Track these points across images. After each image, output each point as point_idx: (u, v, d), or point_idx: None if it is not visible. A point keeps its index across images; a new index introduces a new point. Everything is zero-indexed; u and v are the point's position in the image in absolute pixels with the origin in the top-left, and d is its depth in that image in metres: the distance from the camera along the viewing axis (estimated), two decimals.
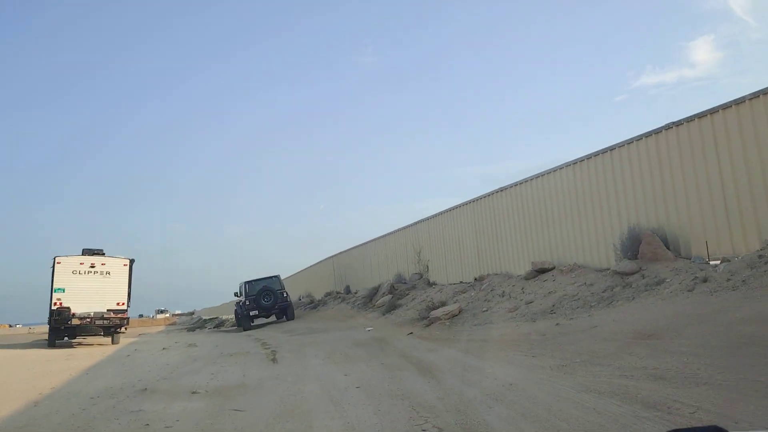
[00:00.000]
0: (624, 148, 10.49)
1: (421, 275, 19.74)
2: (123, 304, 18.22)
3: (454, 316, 12.29)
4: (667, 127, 9.43)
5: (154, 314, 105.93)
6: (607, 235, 10.89)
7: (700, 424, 3.76)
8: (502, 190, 14.45)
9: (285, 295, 22.45)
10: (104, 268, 18.12)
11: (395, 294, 18.79)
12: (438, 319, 12.33)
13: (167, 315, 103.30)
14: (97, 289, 17.71)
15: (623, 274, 9.46)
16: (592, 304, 9.21)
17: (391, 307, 16.84)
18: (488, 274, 14.59)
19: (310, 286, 36.35)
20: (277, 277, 23.75)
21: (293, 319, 22.21)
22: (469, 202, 16.06)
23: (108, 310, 17.94)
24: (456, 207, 16.85)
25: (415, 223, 20.25)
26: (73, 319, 16.96)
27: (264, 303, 21.68)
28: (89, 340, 19.96)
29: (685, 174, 9.17)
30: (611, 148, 10.76)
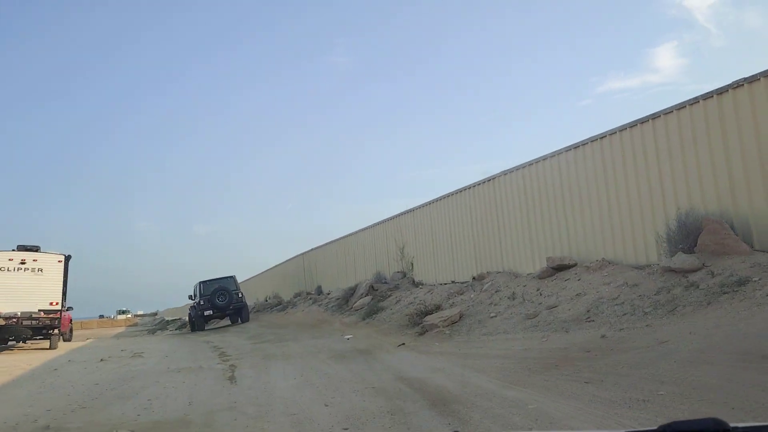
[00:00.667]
0: (671, 116, 8.46)
1: (404, 274, 17.53)
2: (57, 303, 16.58)
3: (454, 323, 10.10)
4: (737, 84, 7.42)
5: (115, 315, 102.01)
6: (646, 223, 8.86)
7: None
8: (505, 174, 12.36)
9: (240, 296, 21.74)
10: (36, 265, 16.39)
11: (376, 295, 16.53)
12: (434, 326, 10.13)
13: (129, 316, 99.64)
14: (27, 288, 16.09)
15: (681, 272, 7.41)
16: (647, 311, 7.13)
17: (372, 311, 14.57)
18: (488, 273, 12.48)
19: (277, 285, 33.76)
20: (232, 277, 22.89)
21: (248, 320, 21.66)
22: (466, 188, 13.92)
23: (39, 310, 16.20)
24: (449, 195, 14.69)
25: (398, 215, 18.04)
26: None
27: (218, 303, 20.87)
28: (29, 344, 17.99)
29: (763, 144, 7.17)
30: (654, 116, 8.73)
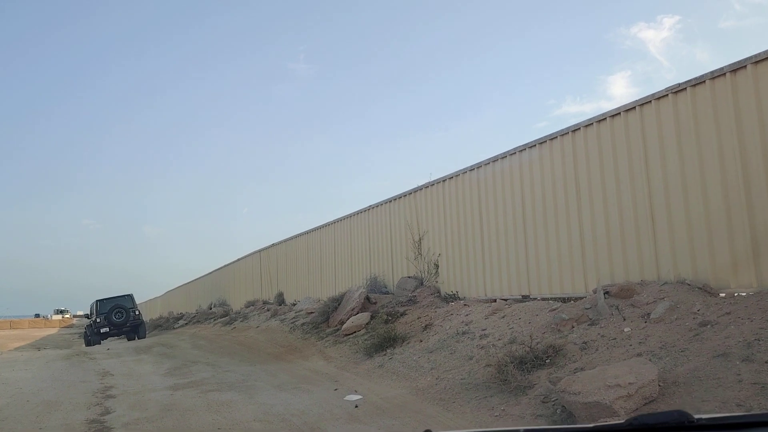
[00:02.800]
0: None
1: (420, 281, 11.54)
2: None
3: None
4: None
5: (51, 315, 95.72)
6: None
7: None
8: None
9: (137, 314, 22.16)
10: None
11: (380, 314, 10.48)
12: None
13: (66, 316, 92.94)
14: None
15: None
16: None
17: (385, 342, 8.45)
18: (613, 284, 6.61)
19: (226, 290, 27.08)
20: (130, 295, 23.11)
21: (144, 337, 21.47)
22: (557, 135, 8.03)
23: None
24: (520, 149, 8.76)
25: (411, 192, 12.07)
26: None
27: (115, 320, 21.12)
28: None
29: None
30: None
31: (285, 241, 19.67)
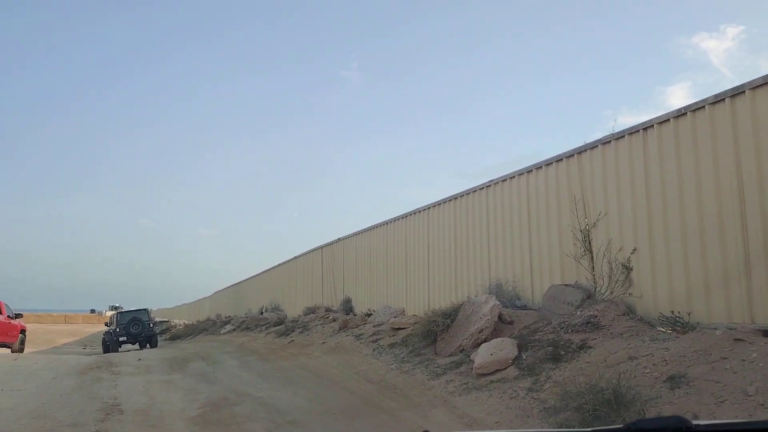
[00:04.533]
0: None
1: (589, 292, 7.37)
2: None
3: None
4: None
5: (105, 310, 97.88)
6: None
7: None
8: None
9: (152, 326, 24.87)
10: None
11: (537, 343, 6.42)
12: None
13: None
14: None
15: None
16: None
17: (600, 408, 4.34)
18: None
19: (280, 293, 23.58)
20: (146, 309, 26.50)
21: (156, 347, 23.35)
22: None
23: None
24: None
25: (572, 154, 7.93)
26: None
27: (132, 331, 23.22)
28: None
29: None
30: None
31: (355, 234, 15.86)
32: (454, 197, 10.67)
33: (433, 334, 8.38)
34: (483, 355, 6.60)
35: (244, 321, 24.07)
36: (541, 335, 6.91)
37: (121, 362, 14.27)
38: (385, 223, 13.74)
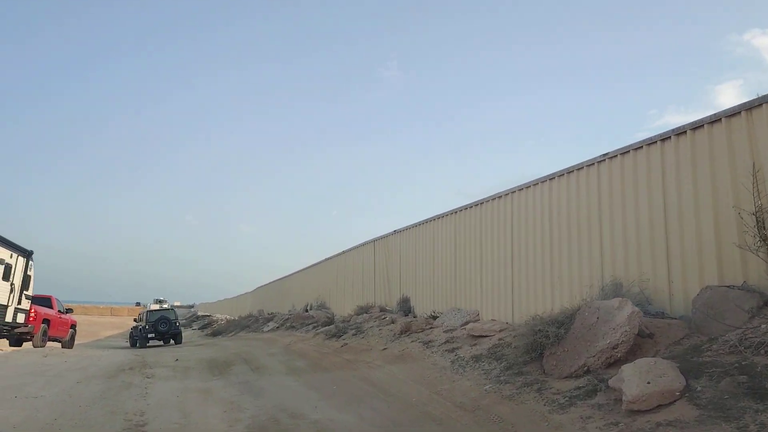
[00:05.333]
0: None
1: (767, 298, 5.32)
2: None
3: None
4: None
5: (149, 304, 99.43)
6: None
7: None
8: None
9: (177, 325, 25.59)
10: None
11: (715, 368, 4.41)
12: None
13: (165, 306, 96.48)
14: None
15: None
16: None
17: None
18: None
19: (326, 290, 22.02)
20: (173, 309, 28.54)
21: (181, 343, 24.39)
22: None
23: None
24: None
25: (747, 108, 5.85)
26: None
27: (160, 329, 24.27)
28: None
29: None
30: None
31: (415, 226, 14.03)
32: (550, 177, 8.71)
33: (539, 348, 6.48)
34: (636, 383, 4.67)
35: (288, 318, 22.64)
36: (712, 356, 4.94)
37: (156, 363, 12.92)
38: (454, 211, 11.86)
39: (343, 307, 19.22)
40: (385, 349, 10.28)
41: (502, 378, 6.54)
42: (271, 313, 28.71)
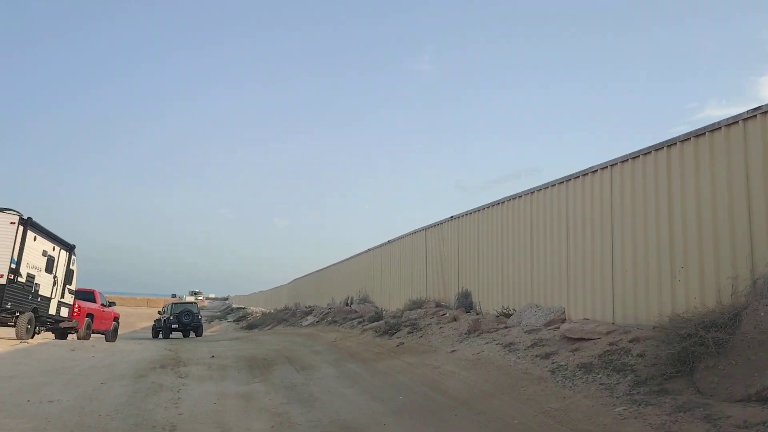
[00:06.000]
0: None
1: None
2: (1, 276, 12.21)
3: None
4: None
5: (185, 295, 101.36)
6: None
7: None
8: None
9: (199, 318, 26.71)
10: None
11: None
12: None
13: (200, 297, 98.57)
14: None
15: None
16: None
17: None
18: None
19: (370, 282, 20.61)
20: (195, 303, 30.39)
21: (201, 336, 25.72)
22: None
23: None
24: None
25: None
26: None
27: (184, 320, 25.39)
28: None
29: None
30: None
31: (477, 210, 12.39)
32: (670, 142, 6.98)
33: (689, 358, 4.84)
34: None
35: (328, 312, 21.34)
36: None
37: (191, 360, 11.69)
38: (531, 191, 10.18)
39: (388, 301, 17.76)
40: (453, 351, 8.74)
41: (636, 397, 4.92)
42: (309, 307, 27.51)
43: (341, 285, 25.01)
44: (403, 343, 10.60)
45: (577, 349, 6.76)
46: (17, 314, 12.81)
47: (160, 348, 14.61)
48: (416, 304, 13.51)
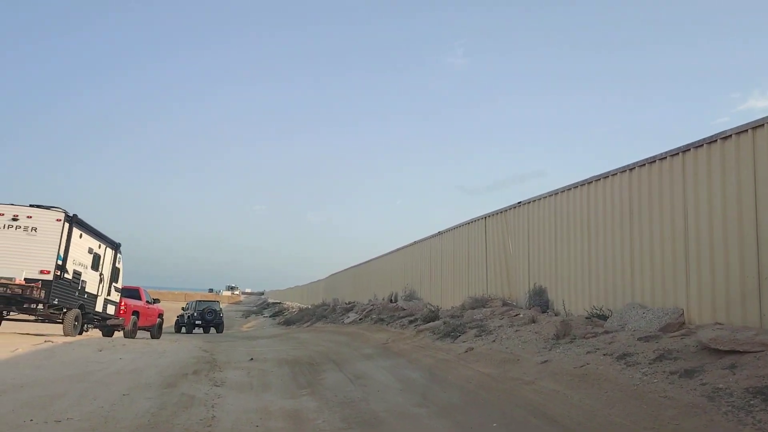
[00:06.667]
0: None
1: None
2: (48, 272, 12.37)
3: None
4: None
5: (222, 290, 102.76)
6: None
7: None
8: None
9: (221, 315, 28.45)
10: (30, 223, 12.56)
11: None
12: None
13: (236, 292, 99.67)
14: (15, 250, 12.37)
15: None
16: None
17: None
18: None
19: (416, 277, 19.07)
20: (217, 302, 32.63)
21: (222, 332, 26.66)
22: None
23: (27, 279, 12.12)
24: None
25: None
26: None
27: (207, 318, 27.02)
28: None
29: None
30: None
31: (553, 193, 10.66)
32: None
33: None
34: None
35: (372, 309, 19.89)
36: None
37: (227, 363, 10.34)
38: (629, 168, 8.40)
39: (439, 298, 16.19)
40: (545, 362, 7.09)
41: None
42: (350, 303, 26.15)
43: (383, 280, 23.54)
44: (472, 349, 8.99)
45: (734, 366, 5.05)
46: (64, 310, 12.94)
47: (194, 348, 13.39)
48: (479, 302, 11.88)
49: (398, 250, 21.96)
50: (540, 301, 10.58)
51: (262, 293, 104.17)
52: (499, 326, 9.79)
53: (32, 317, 12.97)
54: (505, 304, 11.39)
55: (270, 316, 48.22)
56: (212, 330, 27.86)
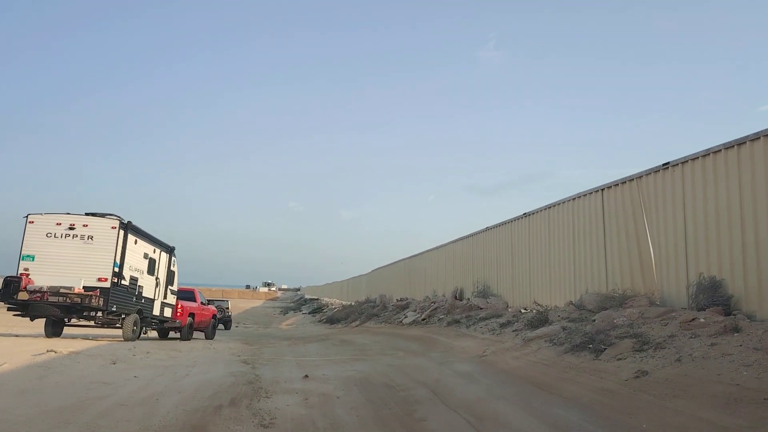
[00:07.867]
0: None
1: None
2: (105, 279, 12.48)
3: None
4: None
5: (258, 287, 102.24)
6: None
7: None
8: None
9: (229, 314, 28.30)
10: (86, 231, 12.74)
11: None
12: None
13: (272, 289, 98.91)
14: (71, 258, 12.60)
15: None
16: None
17: None
18: None
19: (491, 268, 15.97)
20: (227, 300, 32.09)
21: (230, 330, 26.48)
22: None
23: (85, 287, 12.26)
24: None
25: None
26: (19, 293, 12.13)
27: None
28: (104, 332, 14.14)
29: None
30: None
31: (736, 143, 7.43)
32: None
33: None
34: None
35: (436, 308, 16.89)
36: None
37: (275, 386, 7.39)
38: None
39: (526, 295, 13.12)
40: None
41: None
42: (403, 299, 23.18)
43: (444, 274, 20.51)
44: (646, 373, 5.89)
45: None
46: (123, 316, 13.02)
47: (231, 358, 10.64)
48: (613, 301, 8.73)
49: (463, 239, 18.88)
50: (712, 298, 7.39)
51: (298, 289, 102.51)
52: (670, 336, 6.66)
53: (92, 323, 13.04)
54: (652, 303, 8.23)
55: (309, 313, 45.65)
56: (221, 326, 27.20)
